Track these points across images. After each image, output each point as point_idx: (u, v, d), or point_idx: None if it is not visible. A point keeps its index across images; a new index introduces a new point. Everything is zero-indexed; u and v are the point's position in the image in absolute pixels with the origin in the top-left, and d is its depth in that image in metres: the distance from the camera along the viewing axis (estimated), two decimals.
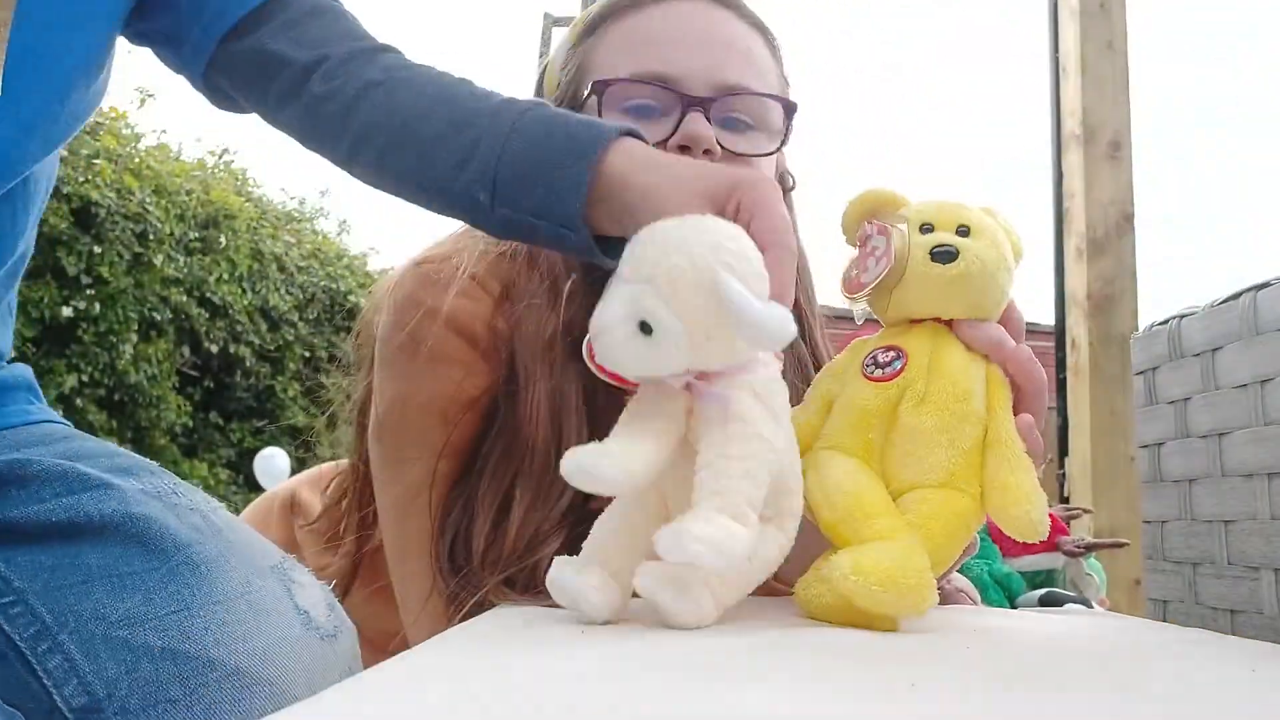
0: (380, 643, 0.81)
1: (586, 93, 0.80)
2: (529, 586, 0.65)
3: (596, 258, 0.63)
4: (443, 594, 0.70)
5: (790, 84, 0.88)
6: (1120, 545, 1.51)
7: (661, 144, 0.76)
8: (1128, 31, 2.94)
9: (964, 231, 0.60)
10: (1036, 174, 3.06)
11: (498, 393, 0.75)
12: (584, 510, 0.72)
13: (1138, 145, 2.87)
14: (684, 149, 0.76)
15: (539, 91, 0.89)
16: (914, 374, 0.58)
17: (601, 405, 0.77)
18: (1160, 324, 0.70)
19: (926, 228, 0.60)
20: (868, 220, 0.62)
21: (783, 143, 0.84)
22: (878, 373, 0.58)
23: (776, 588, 0.77)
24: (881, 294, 0.60)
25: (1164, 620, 0.68)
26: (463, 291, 0.76)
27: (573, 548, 0.70)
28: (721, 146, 0.78)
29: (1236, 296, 0.62)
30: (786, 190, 0.86)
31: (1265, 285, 0.59)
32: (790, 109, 0.83)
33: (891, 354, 0.59)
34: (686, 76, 0.78)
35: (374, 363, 0.79)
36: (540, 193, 0.62)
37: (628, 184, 0.60)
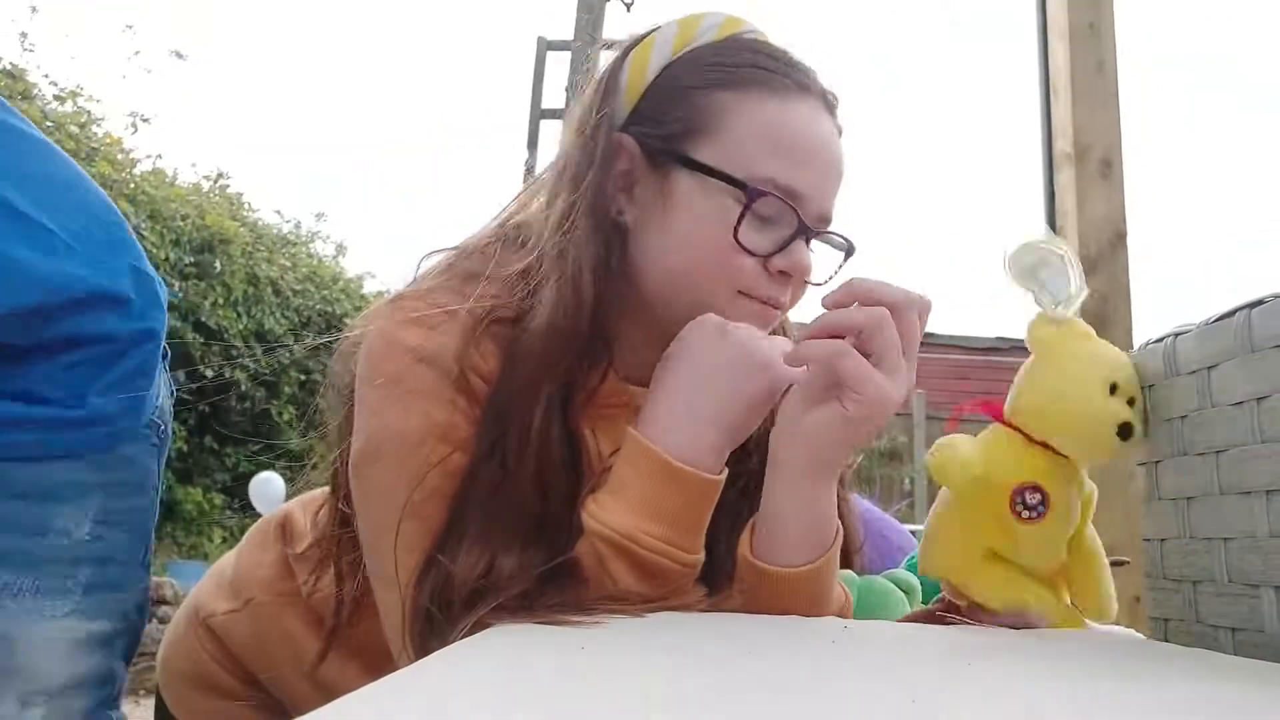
0: (374, 661, 0.81)
1: (733, 180, 0.78)
2: (520, 610, 0.65)
3: None
4: (422, 628, 0.70)
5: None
6: (1121, 563, 1.50)
7: (765, 258, 0.80)
8: (1117, 51, 2.96)
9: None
10: (1029, 194, 3.08)
11: (480, 431, 0.75)
12: (567, 550, 0.72)
13: (1129, 164, 2.88)
14: (782, 273, 0.81)
15: (604, 88, 0.84)
16: (1058, 509, 0.72)
17: (586, 449, 0.78)
18: (1155, 342, 0.70)
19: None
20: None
21: (830, 278, 0.88)
22: (1029, 515, 0.71)
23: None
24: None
25: (1165, 639, 0.68)
26: (444, 330, 0.76)
27: (551, 582, 0.70)
28: None
29: (1231, 314, 0.62)
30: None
31: (1260, 303, 0.59)
32: (850, 251, 0.88)
33: (1037, 496, 0.71)
34: (807, 199, 0.80)
35: (353, 396, 0.79)
36: None
37: None
